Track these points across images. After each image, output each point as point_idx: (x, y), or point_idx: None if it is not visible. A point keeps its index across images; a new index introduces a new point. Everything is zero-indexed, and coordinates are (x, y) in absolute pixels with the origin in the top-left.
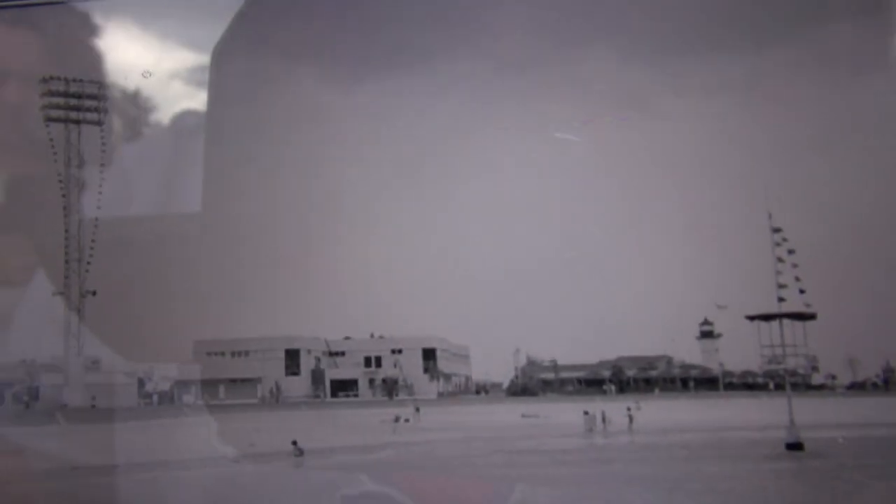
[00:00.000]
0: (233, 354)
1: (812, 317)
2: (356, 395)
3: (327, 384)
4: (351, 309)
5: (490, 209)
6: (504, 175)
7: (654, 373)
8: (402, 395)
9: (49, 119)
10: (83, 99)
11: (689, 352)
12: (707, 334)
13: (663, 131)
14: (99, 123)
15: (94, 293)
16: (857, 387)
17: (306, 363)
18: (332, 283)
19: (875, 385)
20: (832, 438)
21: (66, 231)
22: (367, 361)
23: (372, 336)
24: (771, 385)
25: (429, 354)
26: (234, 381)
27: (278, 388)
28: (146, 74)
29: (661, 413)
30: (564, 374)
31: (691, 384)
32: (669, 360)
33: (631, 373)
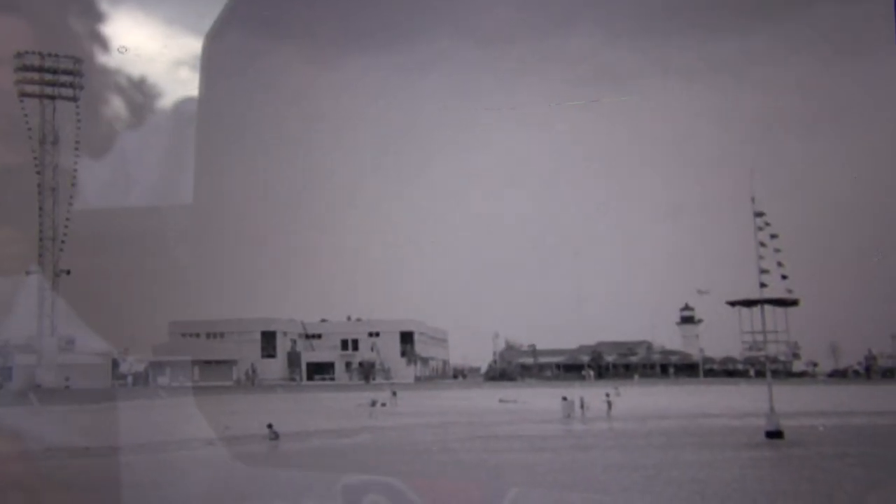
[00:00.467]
0: (208, 336)
1: (794, 303)
2: (332, 379)
3: (303, 367)
4: (328, 290)
5: (471, 191)
6: (485, 156)
7: (633, 358)
8: (378, 379)
9: (23, 94)
10: (58, 74)
11: (669, 337)
12: (688, 320)
13: (648, 112)
14: (74, 99)
15: (68, 272)
16: (838, 374)
17: (282, 345)
18: (310, 265)
19: (856, 373)
20: (812, 426)
21: (41, 209)
22: (344, 344)
23: (349, 319)
24: (751, 372)
25: (406, 338)
26: (209, 362)
27: (254, 370)
28: (121, 50)
29: (640, 399)
30: (543, 359)
31: (671, 370)
32: (649, 346)
33: (610, 358)
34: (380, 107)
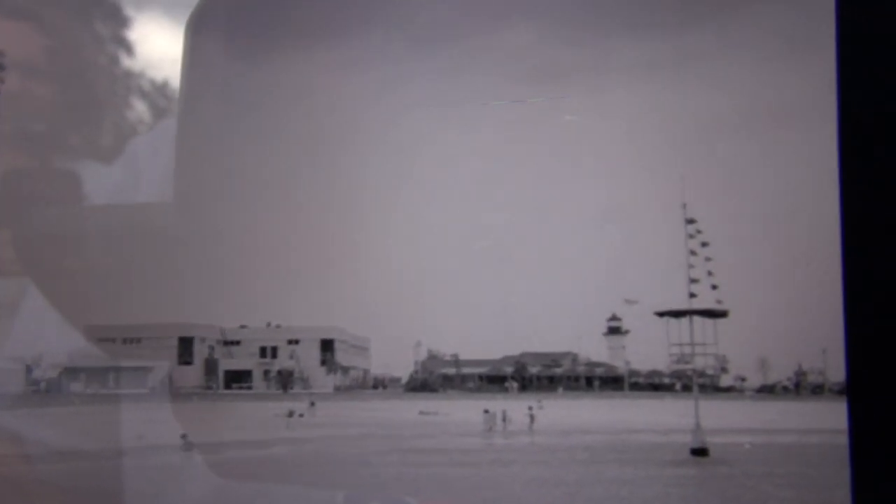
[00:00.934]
0: (124, 341)
1: (723, 314)
2: (250, 388)
3: (220, 375)
4: (248, 296)
5: (398, 193)
6: (414, 157)
7: (558, 370)
8: (297, 389)
9: None
10: None
11: (595, 349)
12: (614, 330)
13: (581, 113)
14: None
15: None
16: (766, 390)
17: (200, 352)
18: (229, 268)
19: (786, 388)
20: (739, 444)
21: None
22: (263, 352)
23: (269, 325)
24: (678, 386)
25: (327, 346)
26: (124, 369)
27: (170, 378)
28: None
29: (563, 413)
30: (466, 370)
31: (596, 383)
32: (575, 358)
33: (534, 370)
34: (306, 105)
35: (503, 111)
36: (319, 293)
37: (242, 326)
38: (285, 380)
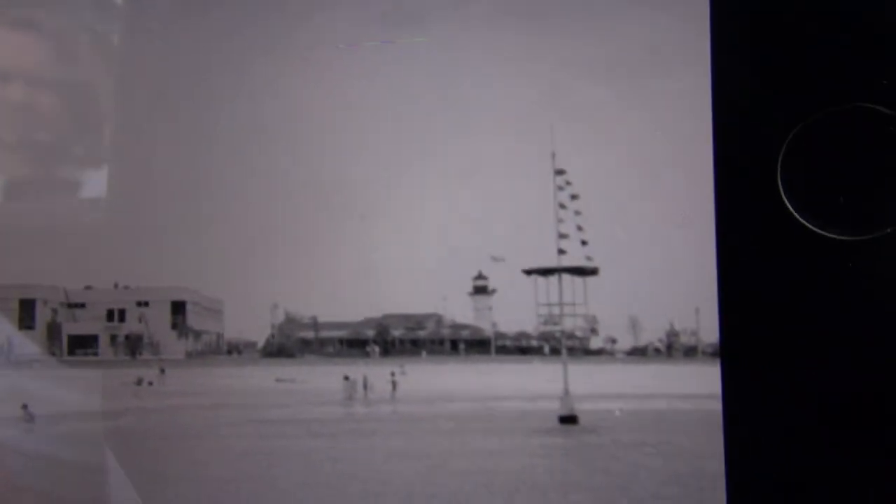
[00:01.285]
0: None
1: (593, 272)
2: (96, 354)
3: (64, 340)
4: (93, 254)
5: (251, 144)
6: (266, 106)
7: (422, 333)
8: (146, 354)
9: None
10: None
11: (461, 310)
12: (480, 290)
13: (446, 58)
14: None
15: None
16: (638, 352)
17: (42, 316)
18: (72, 224)
19: (657, 350)
20: (609, 410)
21: None
22: (110, 315)
23: (116, 286)
24: (546, 349)
25: (178, 308)
26: None
27: (10, 343)
28: None
29: (427, 379)
30: (325, 333)
31: (462, 346)
32: (439, 320)
33: (397, 333)
34: (157, 48)
35: (363, 55)
36: (169, 252)
37: (88, 287)
38: (134, 345)
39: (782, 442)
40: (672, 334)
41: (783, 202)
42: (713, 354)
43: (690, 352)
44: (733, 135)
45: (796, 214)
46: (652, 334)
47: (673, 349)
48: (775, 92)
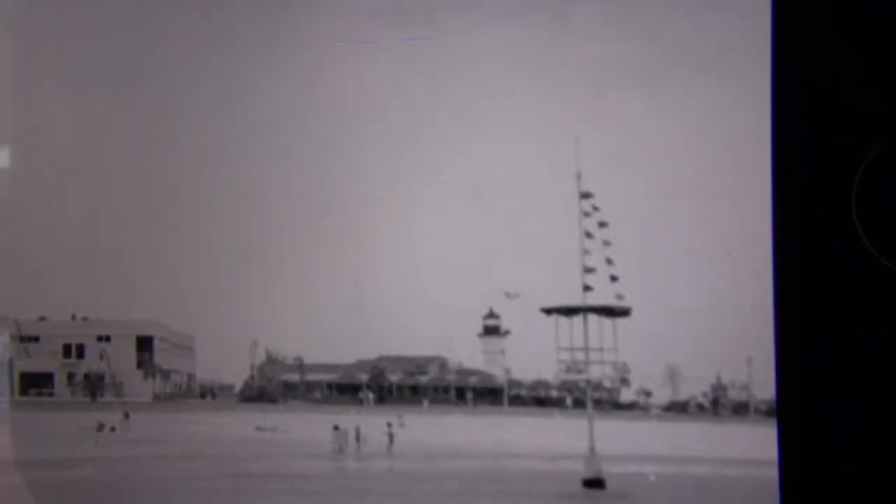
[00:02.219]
0: None
1: (625, 312)
2: (51, 394)
3: (15, 378)
4: (47, 281)
5: (230, 157)
6: (249, 112)
7: (423, 378)
8: (108, 396)
9: None
10: None
11: (468, 353)
12: (492, 331)
13: (454, 59)
14: None
15: None
16: (677, 407)
17: None
18: (28, 248)
19: (700, 406)
20: (642, 475)
21: None
22: (67, 350)
23: (74, 317)
24: (568, 401)
25: (144, 344)
26: None
27: None
28: None
29: (429, 431)
30: (312, 377)
31: (469, 395)
32: (443, 363)
33: (395, 377)
34: (119, 46)
35: (360, 55)
36: (133, 279)
37: (42, 319)
38: (94, 385)
39: None
40: (718, 388)
41: (855, 235)
42: (768, 413)
43: (740, 409)
44: (797, 158)
45: (874, 251)
46: (694, 387)
47: (719, 405)
48: (846, 113)
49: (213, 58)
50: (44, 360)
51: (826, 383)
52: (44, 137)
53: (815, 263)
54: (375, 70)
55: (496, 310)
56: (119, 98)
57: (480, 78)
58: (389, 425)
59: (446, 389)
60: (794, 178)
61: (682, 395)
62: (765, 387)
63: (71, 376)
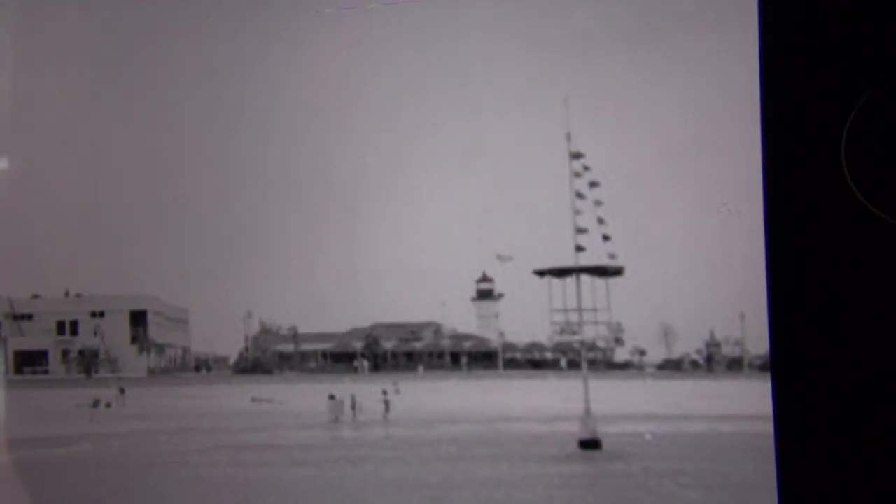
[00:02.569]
0: None
1: (618, 272)
2: (46, 371)
3: (9, 356)
4: (40, 258)
5: (212, 126)
6: (233, 84)
7: (417, 345)
8: (103, 372)
9: None
10: None
11: (462, 318)
12: (485, 294)
13: (436, 19)
14: None
15: None
16: (671, 365)
17: None
18: (19, 228)
19: (694, 364)
20: (638, 434)
21: None
22: (61, 327)
23: (67, 294)
24: (563, 362)
25: (138, 319)
26: None
27: None
28: None
29: (425, 397)
30: (306, 346)
31: (464, 359)
32: (437, 329)
33: (389, 345)
34: (108, 22)
35: (338, 22)
36: (126, 254)
37: (35, 296)
38: (88, 361)
39: (845, 472)
40: (712, 345)
41: (846, 187)
42: (762, 368)
43: (734, 365)
44: (786, 111)
45: (865, 201)
46: (688, 344)
47: (713, 362)
48: (833, 62)
49: (201, 31)
50: (38, 338)
51: (819, 336)
52: (37, 116)
53: (805, 216)
54: (364, 36)
55: (489, 274)
56: (111, 74)
57: (468, 42)
58: (385, 392)
59: (441, 355)
60: (783, 132)
61: (676, 354)
62: (759, 342)
63: (65, 353)
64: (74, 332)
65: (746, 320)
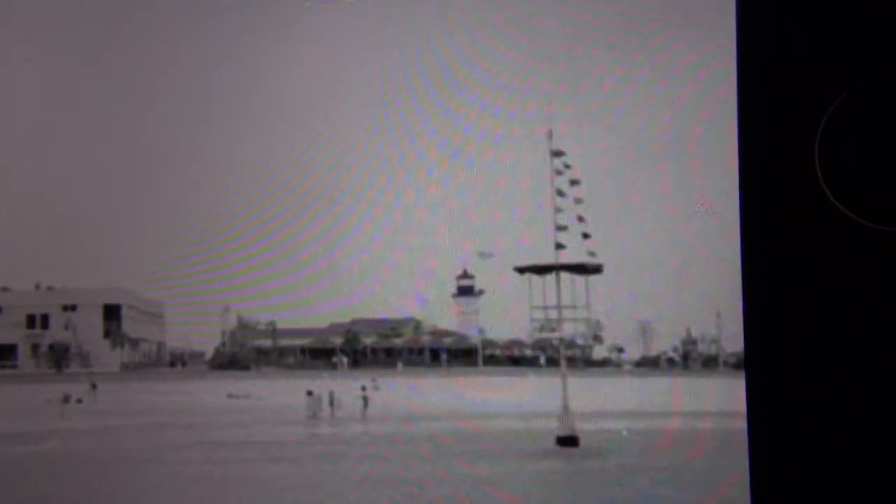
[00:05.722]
0: None
1: (597, 270)
2: (15, 366)
3: None
4: (9, 250)
5: (190, 118)
6: (218, 74)
7: (397, 341)
8: (74, 367)
9: None
10: None
11: (442, 314)
12: (465, 291)
13: (418, 12)
14: None
15: None
16: (648, 363)
17: None
18: None
19: (671, 361)
20: (615, 430)
21: None
22: (31, 321)
23: (38, 287)
24: (542, 359)
25: (111, 312)
26: None
27: None
28: None
29: (404, 394)
30: (285, 342)
31: (444, 356)
32: (417, 325)
33: (369, 341)
34: (85, 8)
35: (318, 13)
36: (99, 246)
37: (4, 289)
38: (59, 356)
39: (817, 467)
40: (688, 342)
41: (820, 190)
42: (736, 366)
43: (710, 363)
44: (762, 112)
45: (837, 203)
46: (665, 342)
47: (689, 360)
48: (809, 64)
49: (181, 21)
50: (7, 332)
51: (793, 335)
52: (7, 106)
53: (780, 217)
54: (347, 29)
55: (470, 270)
56: (83, 62)
57: (451, 37)
58: (364, 389)
59: (420, 351)
60: (759, 133)
61: (654, 351)
62: (733, 340)
63: (35, 347)
64: (45, 325)
65: (722, 319)
